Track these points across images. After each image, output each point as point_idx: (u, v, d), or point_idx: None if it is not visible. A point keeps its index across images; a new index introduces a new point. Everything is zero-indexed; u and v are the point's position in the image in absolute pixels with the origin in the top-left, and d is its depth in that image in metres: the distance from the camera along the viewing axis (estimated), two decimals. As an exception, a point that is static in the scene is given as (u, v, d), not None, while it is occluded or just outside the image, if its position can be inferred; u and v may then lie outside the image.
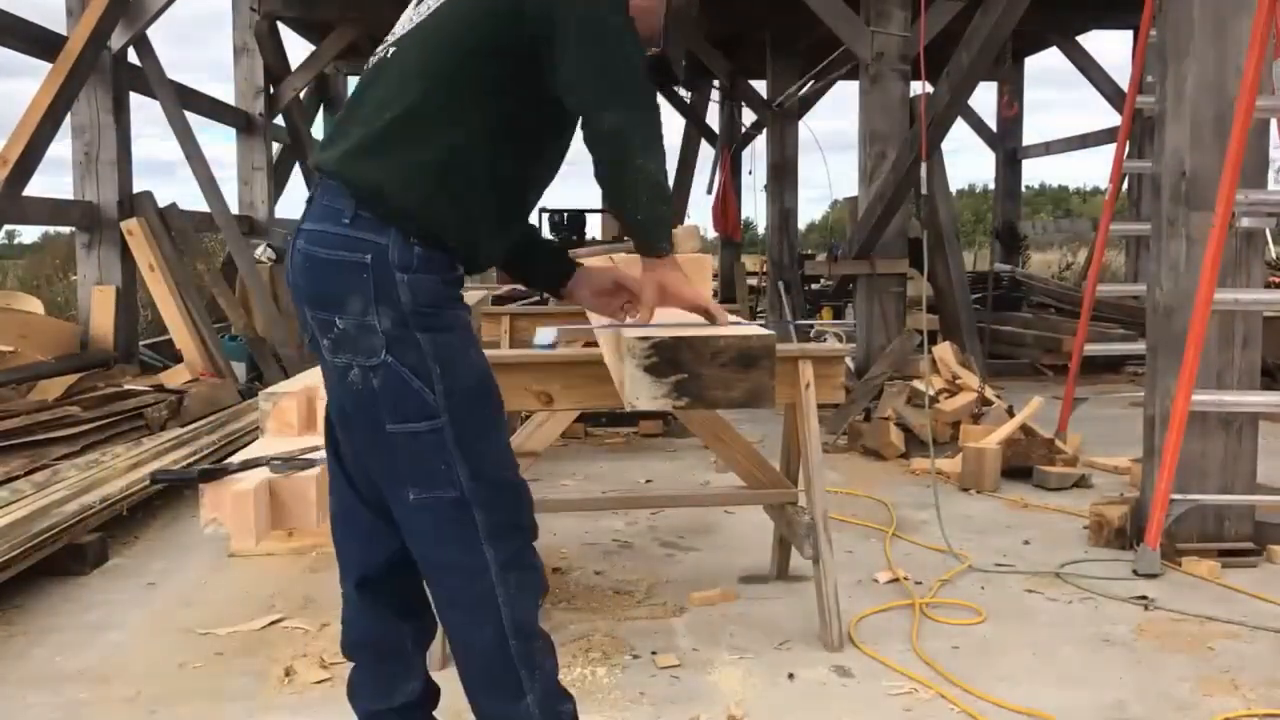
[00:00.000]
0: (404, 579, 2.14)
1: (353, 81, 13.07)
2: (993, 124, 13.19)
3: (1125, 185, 9.38)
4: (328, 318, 1.96)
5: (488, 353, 2.15)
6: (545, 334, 3.37)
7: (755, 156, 12.17)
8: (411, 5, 2.10)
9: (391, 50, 2.02)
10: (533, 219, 2.69)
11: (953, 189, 9.20)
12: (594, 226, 9.65)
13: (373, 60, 2.06)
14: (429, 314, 1.96)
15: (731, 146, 12.31)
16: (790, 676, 2.88)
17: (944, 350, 6.35)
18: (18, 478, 4.34)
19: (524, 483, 2.10)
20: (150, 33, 7.07)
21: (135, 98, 7.21)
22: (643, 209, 1.96)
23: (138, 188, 7.03)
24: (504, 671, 2.00)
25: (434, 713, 2.27)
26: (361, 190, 1.93)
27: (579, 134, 2.02)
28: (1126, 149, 5.96)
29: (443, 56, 1.95)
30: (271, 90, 9.49)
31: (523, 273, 2.39)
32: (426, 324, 1.95)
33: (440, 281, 1.97)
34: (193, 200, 8.48)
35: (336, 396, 2.07)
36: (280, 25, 9.94)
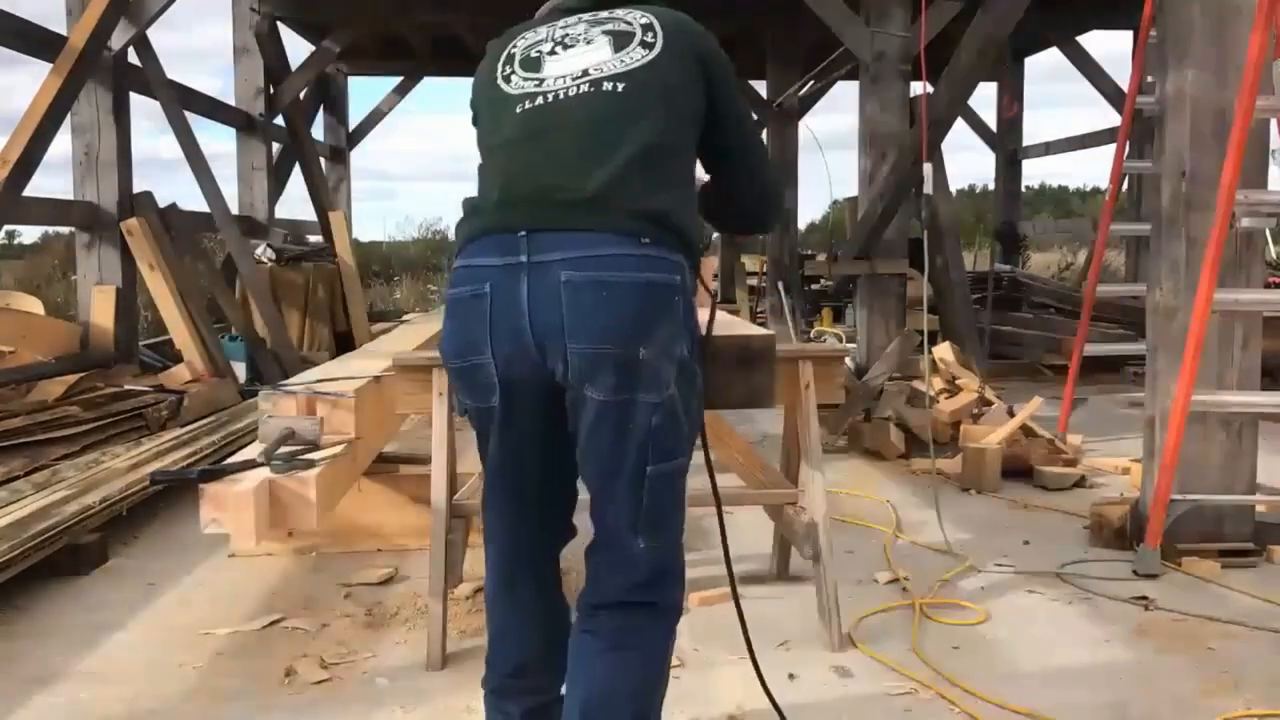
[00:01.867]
0: None
1: (353, 81, 13.02)
2: (993, 124, 13.18)
3: (1125, 185, 9.37)
4: (623, 352, 1.74)
5: None
6: None
7: (755, 157, 12.14)
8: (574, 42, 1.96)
9: (610, 85, 1.89)
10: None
11: (953, 189, 9.19)
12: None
13: (565, 92, 1.90)
14: (699, 342, 1.84)
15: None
16: (790, 676, 2.88)
17: (944, 350, 6.35)
18: (18, 478, 4.34)
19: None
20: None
21: (135, 96, 7.21)
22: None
23: (138, 188, 7.02)
24: None
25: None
26: (650, 215, 1.80)
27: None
28: (1126, 149, 5.96)
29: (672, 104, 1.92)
30: (271, 90, 9.49)
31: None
32: (701, 353, 1.83)
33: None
34: (193, 200, 8.48)
35: (595, 445, 1.84)
36: (280, 25, 9.94)
